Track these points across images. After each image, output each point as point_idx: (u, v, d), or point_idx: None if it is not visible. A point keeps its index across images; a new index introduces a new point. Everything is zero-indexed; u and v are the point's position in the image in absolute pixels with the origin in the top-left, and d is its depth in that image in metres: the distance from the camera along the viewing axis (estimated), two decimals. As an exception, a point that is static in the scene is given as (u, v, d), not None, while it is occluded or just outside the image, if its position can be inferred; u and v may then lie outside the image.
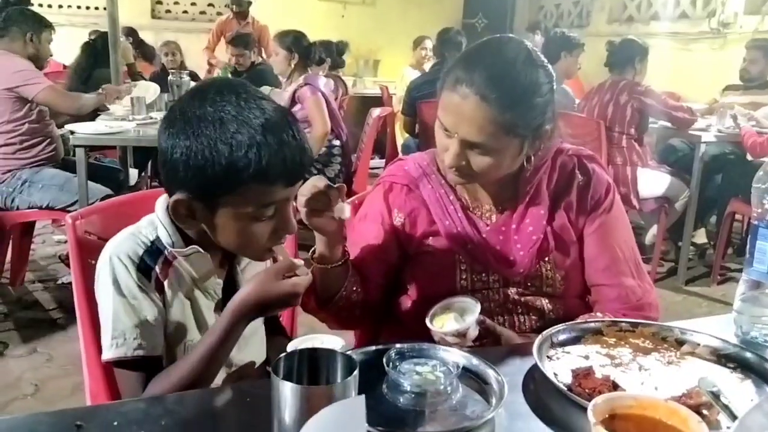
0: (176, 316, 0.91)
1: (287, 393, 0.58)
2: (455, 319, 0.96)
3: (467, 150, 1.01)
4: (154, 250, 0.89)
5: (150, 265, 0.88)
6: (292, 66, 3.31)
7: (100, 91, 2.97)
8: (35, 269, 3.04)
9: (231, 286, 0.95)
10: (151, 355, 0.87)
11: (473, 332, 0.95)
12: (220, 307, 0.95)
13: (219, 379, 0.90)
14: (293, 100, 3.21)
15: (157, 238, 0.89)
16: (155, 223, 0.91)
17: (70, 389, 2.02)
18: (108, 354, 0.86)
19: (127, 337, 0.86)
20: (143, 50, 4.75)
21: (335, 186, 0.93)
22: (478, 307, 0.96)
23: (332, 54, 4.25)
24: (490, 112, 0.96)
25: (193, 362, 0.84)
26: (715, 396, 0.73)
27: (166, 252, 0.89)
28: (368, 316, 1.19)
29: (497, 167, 1.03)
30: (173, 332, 0.91)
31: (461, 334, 0.94)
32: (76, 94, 2.90)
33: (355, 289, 1.08)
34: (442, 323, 0.96)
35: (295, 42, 3.30)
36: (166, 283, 0.89)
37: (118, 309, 0.86)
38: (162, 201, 0.92)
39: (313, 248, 1.04)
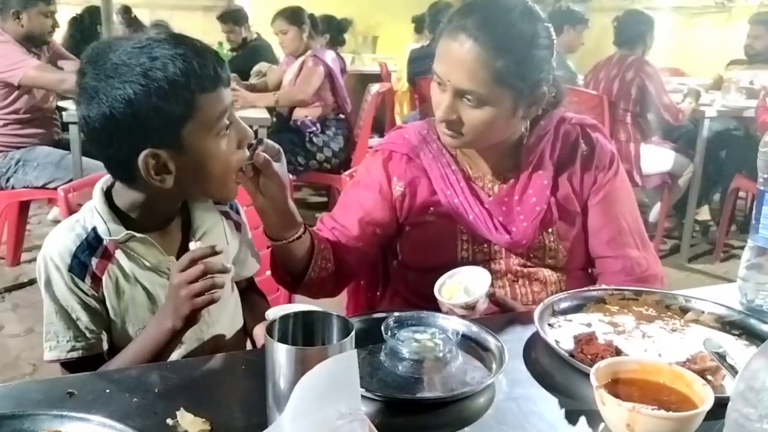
0: (125, 305, 0.89)
1: (282, 355, 0.56)
2: (465, 290, 0.93)
3: (459, 102, 0.98)
4: (91, 241, 0.86)
5: (84, 261, 0.85)
6: (305, 40, 3.19)
7: None
8: (31, 249, 3.03)
9: None
10: (88, 355, 0.86)
11: (482, 305, 0.93)
12: None
13: (178, 355, 0.88)
14: (300, 72, 3.16)
15: (95, 227, 0.86)
16: (93, 212, 0.87)
17: (69, 367, 2.02)
18: (46, 355, 0.87)
19: (59, 340, 0.86)
20: (135, 29, 4.67)
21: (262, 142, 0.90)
22: (488, 279, 0.94)
23: (333, 30, 4.17)
24: (482, 56, 0.95)
25: (120, 366, 0.84)
26: (721, 357, 0.72)
27: (105, 242, 0.86)
28: (341, 287, 1.15)
29: (489, 125, 1.00)
30: (123, 321, 0.89)
31: (470, 307, 0.91)
32: (61, 71, 2.74)
33: (324, 265, 1.04)
34: (451, 294, 0.93)
35: (302, 16, 3.19)
36: (104, 277, 0.86)
37: (50, 312, 0.86)
38: (99, 187, 0.89)
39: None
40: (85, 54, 0.83)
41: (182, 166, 0.82)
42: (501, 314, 0.97)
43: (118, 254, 0.87)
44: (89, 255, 0.86)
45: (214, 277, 0.79)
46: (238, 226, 1.02)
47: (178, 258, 0.89)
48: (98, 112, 0.78)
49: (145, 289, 0.89)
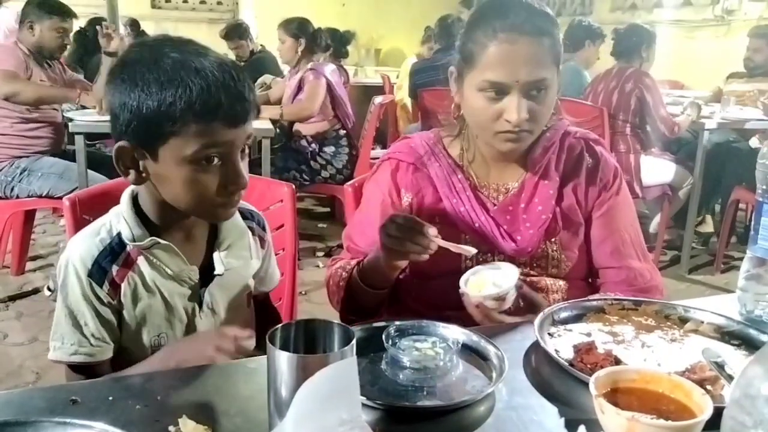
0: (141, 313, 0.89)
1: (283, 363, 0.57)
2: (493, 284, 0.94)
3: (526, 98, 1.01)
4: (114, 246, 0.87)
5: (105, 267, 0.86)
6: (299, 53, 3.25)
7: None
8: (36, 258, 3.04)
9: (210, 271, 0.93)
10: (89, 362, 0.87)
11: (512, 297, 0.94)
12: (196, 293, 0.92)
13: None
14: (299, 87, 3.19)
15: (120, 232, 0.87)
16: (119, 217, 0.88)
17: (72, 376, 2.02)
18: (50, 354, 0.88)
19: (64, 342, 0.87)
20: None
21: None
22: (516, 272, 0.95)
23: (336, 43, 4.21)
24: (541, 45, 1.01)
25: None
26: (720, 366, 0.72)
27: (128, 248, 0.87)
28: (386, 309, 1.17)
29: (549, 109, 1.06)
30: (139, 328, 0.90)
31: (501, 298, 0.93)
32: (16, 85, 2.58)
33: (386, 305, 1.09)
34: (479, 288, 0.94)
35: (301, 28, 3.26)
36: (123, 285, 0.87)
37: (60, 313, 0.87)
38: (127, 192, 0.90)
39: (357, 262, 1.07)
40: (125, 50, 0.87)
41: (153, 174, 0.84)
42: (500, 325, 0.97)
43: (141, 261, 0.88)
44: (111, 261, 0.86)
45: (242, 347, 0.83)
46: (262, 243, 1.02)
47: (200, 268, 0.92)
48: (110, 88, 0.83)
49: (163, 297, 0.90)
